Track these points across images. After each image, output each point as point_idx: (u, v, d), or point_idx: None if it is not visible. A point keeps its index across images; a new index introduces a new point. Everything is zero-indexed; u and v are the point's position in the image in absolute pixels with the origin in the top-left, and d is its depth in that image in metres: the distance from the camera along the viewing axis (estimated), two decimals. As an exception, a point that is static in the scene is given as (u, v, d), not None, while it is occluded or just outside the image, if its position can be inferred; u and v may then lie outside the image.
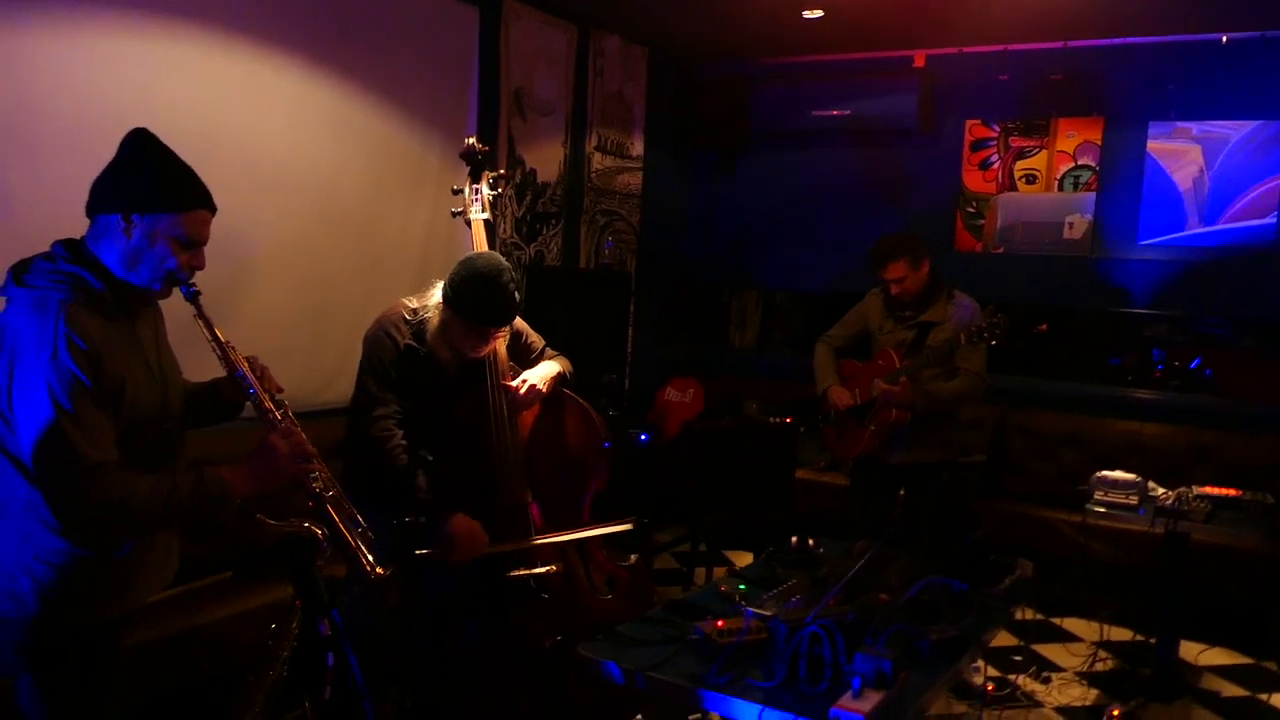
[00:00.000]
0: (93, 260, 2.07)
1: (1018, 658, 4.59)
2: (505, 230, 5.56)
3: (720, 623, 2.37)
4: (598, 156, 6.25)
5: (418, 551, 2.67)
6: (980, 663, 4.32)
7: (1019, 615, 4.89)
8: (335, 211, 4.45)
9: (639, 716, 3.75)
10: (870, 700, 2.06)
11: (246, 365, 2.24)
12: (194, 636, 3.25)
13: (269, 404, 2.23)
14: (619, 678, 2.28)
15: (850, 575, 2.49)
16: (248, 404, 2.28)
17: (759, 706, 2.09)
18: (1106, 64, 5.75)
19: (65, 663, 2.12)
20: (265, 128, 4.08)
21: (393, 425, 3.00)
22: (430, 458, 2.51)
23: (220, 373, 2.31)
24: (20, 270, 2.06)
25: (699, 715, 3.84)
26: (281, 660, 2.31)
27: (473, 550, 2.95)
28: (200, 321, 2.17)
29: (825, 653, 2.18)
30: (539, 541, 3.10)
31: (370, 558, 2.25)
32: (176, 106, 3.60)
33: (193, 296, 2.15)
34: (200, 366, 2.44)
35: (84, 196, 2.11)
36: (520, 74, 5.52)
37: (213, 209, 2.16)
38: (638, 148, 6.62)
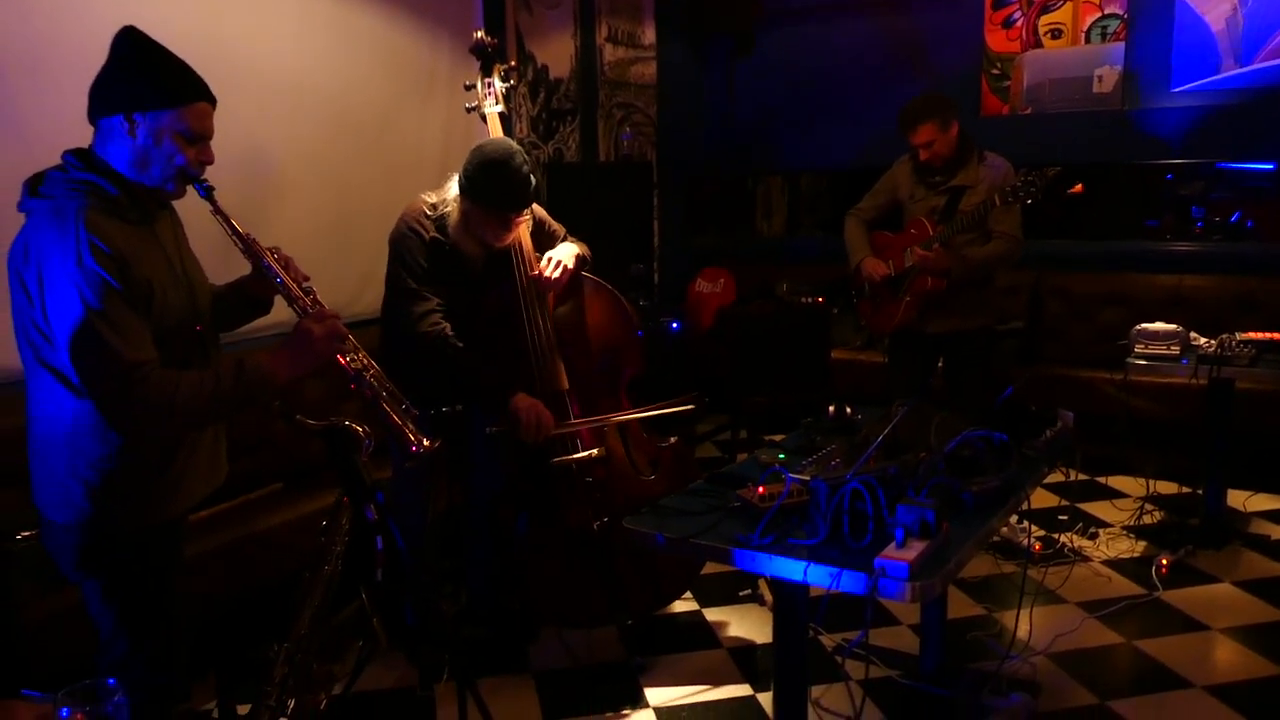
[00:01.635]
0: (104, 166, 2.07)
1: (1063, 517, 4.61)
2: (522, 129, 5.49)
3: (761, 489, 2.37)
4: (609, 48, 6.12)
5: (488, 429, 2.68)
6: (1026, 523, 4.36)
7: (1065, 475, 4.93)
8: (350, 121, 4.41)
9: (687, 593, 3.84)
10: (914, 549, 2.07)
11: (270, 256, 2.24)
12: (251, 543, 3.33)
13: (298, 291, 2.23)
14: (664, 546, 2.30)
15: (889, 430, 2.48)
16: (277, 298, 2.29)
17: (804, 562, 2.11)
18: (1131, -97, 5.50)
19: (127, 565, 2.19)
20: (272, 41, 4.02)
21: (439, 318, 3.02)
22: (460, 344, 2.52)
23: (244, 272, 2.32)
24: (35, 183, 2.07)
25: (748, 591, 3.94)
26: (335, 555, 2.37)
27: (540, 427, 2.99)
28: (218, 217, 2.17)
29: (867, 508, 2.19)
30: (592, 422, 3.14)
31: (415, 431, 2.27)
32: (182, 25, 3.54)
33: (208, 192, 2.14)
34: (223, 272, 2.46)
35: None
36: (523, -34, 5.38)
37: (213, 101, 2.14)
38: (649, 36, 6.47)
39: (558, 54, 5.72)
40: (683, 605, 3.83)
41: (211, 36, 3.73)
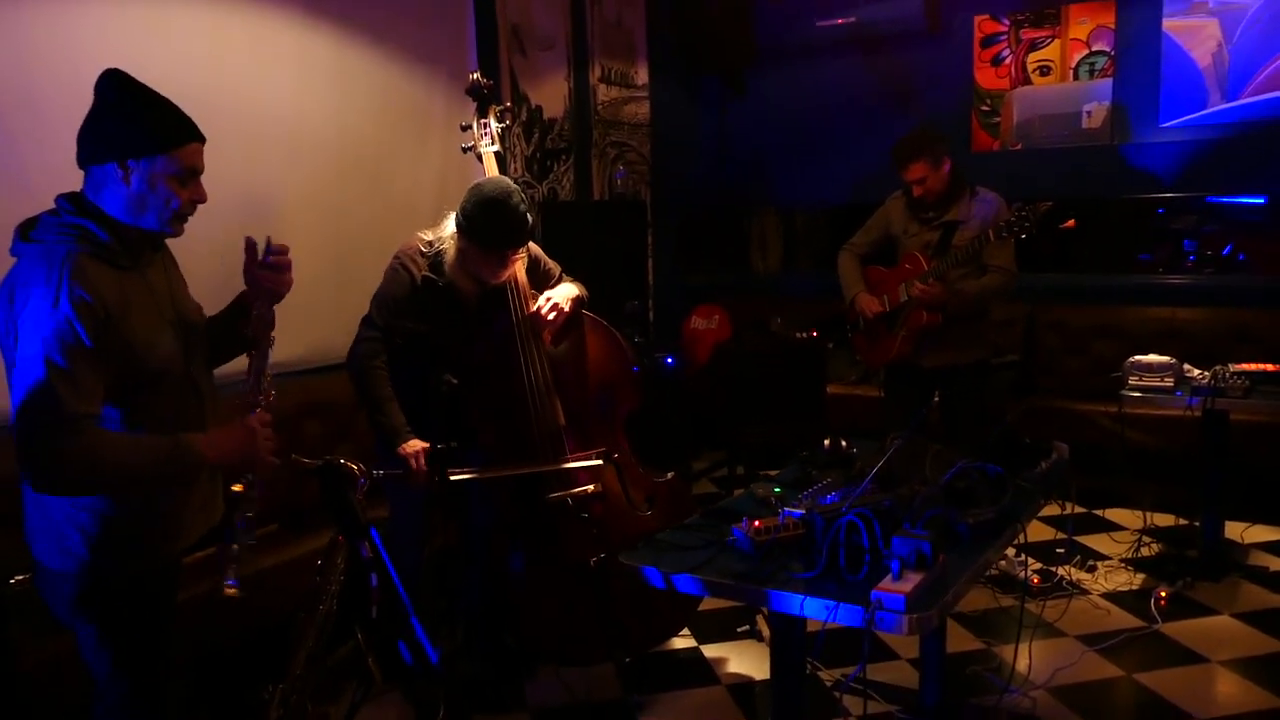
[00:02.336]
0: (96, 211, 2.06)
1: (1061, 550, 4.60)
2: (516, 169, 5.53)
3: (758, 523, 2.37)
4: (602, 88, 6.19)
5: (376, 472, 2.69)
6: (1024, 556, 4.35)
7: (1061, 509, 4.92)
8: (346, 163, 4.45)
9: (685, 630, 3.82)
10: (910, 581, 2.07)
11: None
12: (248, 585, 3.30)
13: (266, 380, 2.28)
14: (658, 582, 2.29)
15: (883, 462, 2.49)
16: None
17: (800, 596, 2.10)
18: (1114, -57, 5.60)
19: (123, 610, 2.17)
20: (270, 85, 4.07)
21: (378, 346, 3.11)
22: (455, 381, 2.53)
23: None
24: (27, 227, 2.07)
25: (746, 628, 3.92)
26: (330, 595, 2.37)
27: (426, 472, 3.03)
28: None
29: (863, 540, 2.19)
30: (501, 472, 3.17)
31: (229, 569, 2.23)
32: (179, 68, 3.59)
33: None
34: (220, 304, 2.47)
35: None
36: (516, 9, 5.45)
37: (203, 139, 2.15)
38: (642, 76, 6.55)
39: (551, 95, 5.78)
40: (680, 642, 3.81)
41: (211, 80, 3.77)
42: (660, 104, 6.71)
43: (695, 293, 6.85)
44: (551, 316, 3.16)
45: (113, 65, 2.16)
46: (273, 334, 2.32)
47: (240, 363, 2.41)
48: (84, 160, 2.09)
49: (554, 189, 5.81)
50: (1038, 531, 4.81)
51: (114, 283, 2.03)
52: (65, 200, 2.09)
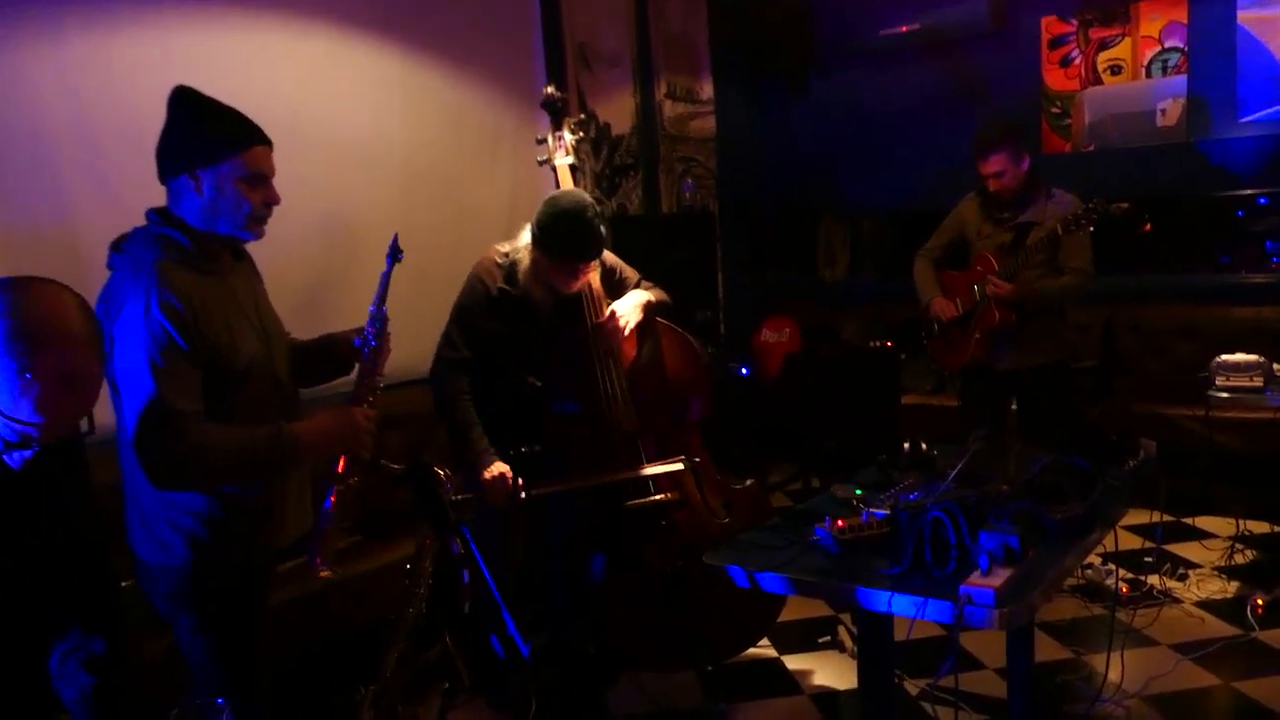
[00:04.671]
0: (179, 221, 2.16)
1: (1150, 559, 4.48)
2: (586, 185, 5.59)
3: (841, 522, 2.36)
4: (668, 104, 6.24)
5: (455, 497, 2.72)
6: (1112, 565, 4.24)
7: (1150, 517, 4.79)
8: (420, 179, 4.55)
9: (765, 641, 3.80)
10: (1000, 576, 2.04)
11: (386, 340, 2.40)
12: (334, 592, 3.38)
13: (375, 381, 2.36)
14: (742, 581, 2.29)
15: (965, 460, 2.46)
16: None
17: (888, 592, 2.09)
18: (1184, -63, 5.49)
19: (219, 605, 2.24)
20: (347, 105, 4.19)
21: (457, 373, 3.12)
22: (538, 384, 2.57)
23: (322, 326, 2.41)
24: (119, 241, 2.18)
25: (827, 638, 3.88)
26: (419, 598, 2.41)
27: (507, 495, 3.03)
28: (384, 279, 2.41)
29: (949, 536, 2.16)
30: (570, 485, 3.18)
31: (325, 550, 2.32)
32: (264, 90, 3.71)
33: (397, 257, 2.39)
34: (305, 326, 2.54)
35: None
36: (582, 27, 5.53)
37: (268, 142, 2.22)
38: (707, 91, 6.58)
39: (619, 112, 5.84)
40: (761, 652, 3.78)
41: (294, 102, 3.90)
42: (725, 117, 6.73)
43: (764, 301, 6.83)
44: (617, 326, 3.18)
45: (201, 86, 2.25)
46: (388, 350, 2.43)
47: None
48: (162, 175, 2.20)
49: (623, 204, 5.86)
50: (1125, 540, 4.67)
51: (198, 287, 2.12)
52: (153, 213, 2.20)
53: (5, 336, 1.39)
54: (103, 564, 1.81)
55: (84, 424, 1.51)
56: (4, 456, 1.43)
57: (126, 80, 3.43)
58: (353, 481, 2.32)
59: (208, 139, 2.15)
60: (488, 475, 3.05)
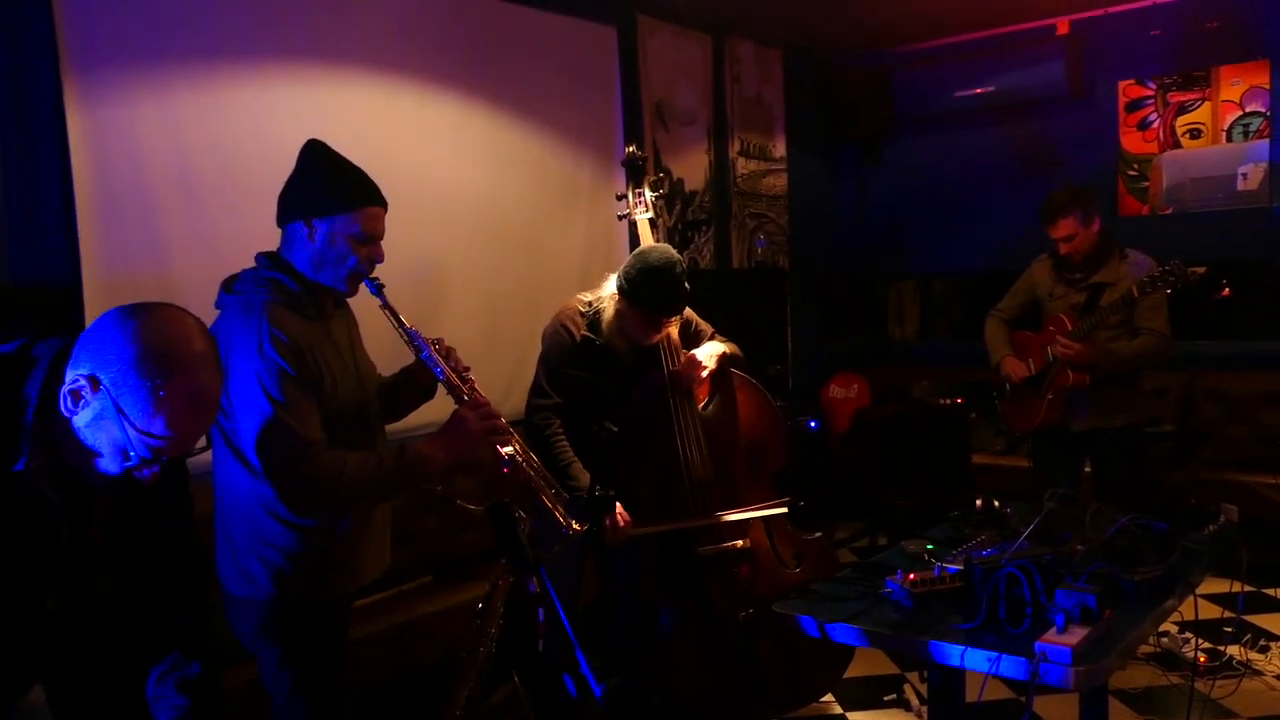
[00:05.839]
0: (287, 266, 2.26)
1: (1229, 629, 4.35)
2: (659, 240, 5.68)
3: (912, 575, 2.37)
4: (741, 161, 6.34)
5: (572, 528, 2.74)
6: (1189, 634, 4.13)
7: (1229, 586, 4.67)
8: (499, 233, 4.68)
9: (829, 697, 3.76)
10: (1076, 635, 2.03)
11: (433, 348, 2.37)
12: (406, 631, 3.46)
13: (456, 380, 2.35)
14: (813, 630, 2.30)
15: (1041, 517, 2.45)
16: (439, 387, 2.41)
17: (961, 647, 2.09)
18: (1265, 2, 5.46)
19: (302, 639, 2.31)
20: (430, 159, 4.34)
21: (551, 416, 3.16)
22: (615, 429, 2.62)
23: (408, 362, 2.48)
24: (230, 281, 2.29)
25: (893, 696, 3.83)
26: (490, 637, 2.46)
27: (618, 533, 3.04)
28: (386, 311, 2.31)
29: (1024, 593, 2.16)
30: (698, 522, 3.19)
31: (565, 515, 2.36)
32: (350, 146, 3.86)
33: (378, 289, 2.31)
34: (395, 366, 2.63)
35: (277, 231, 2.32)
36: (660, 86, 5.67)
37: (384, 204, 2.33)
38: (780, 149, 6.68)
39: (693, 168, 5.95)
40: (825, 708, 3.75)
41: (379, 154, 4.02)
42: (798, 175, 6.82)
43: (833, 359, 6.84)
44: (694, 374, 3.23)
45: (295, 136, 2.38)
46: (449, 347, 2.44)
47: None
48: (280, 220, 2.31)
49: (694, 259, 5.94)
50: (1204, 610, 4.56)
51: (302, 329, 2.22)
52: (263, 256, 2.30)
53: (139, 357, 1.49)
54: (203, 588, 1.89)
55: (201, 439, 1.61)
56: (136, 473, 1.52)
57: (225, 133, 3.62)
58: (521, 458, 2.35)
59: (329, 192, 2.26)
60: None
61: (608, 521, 3.03)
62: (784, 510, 3.24)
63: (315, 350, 2.22)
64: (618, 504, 3.06)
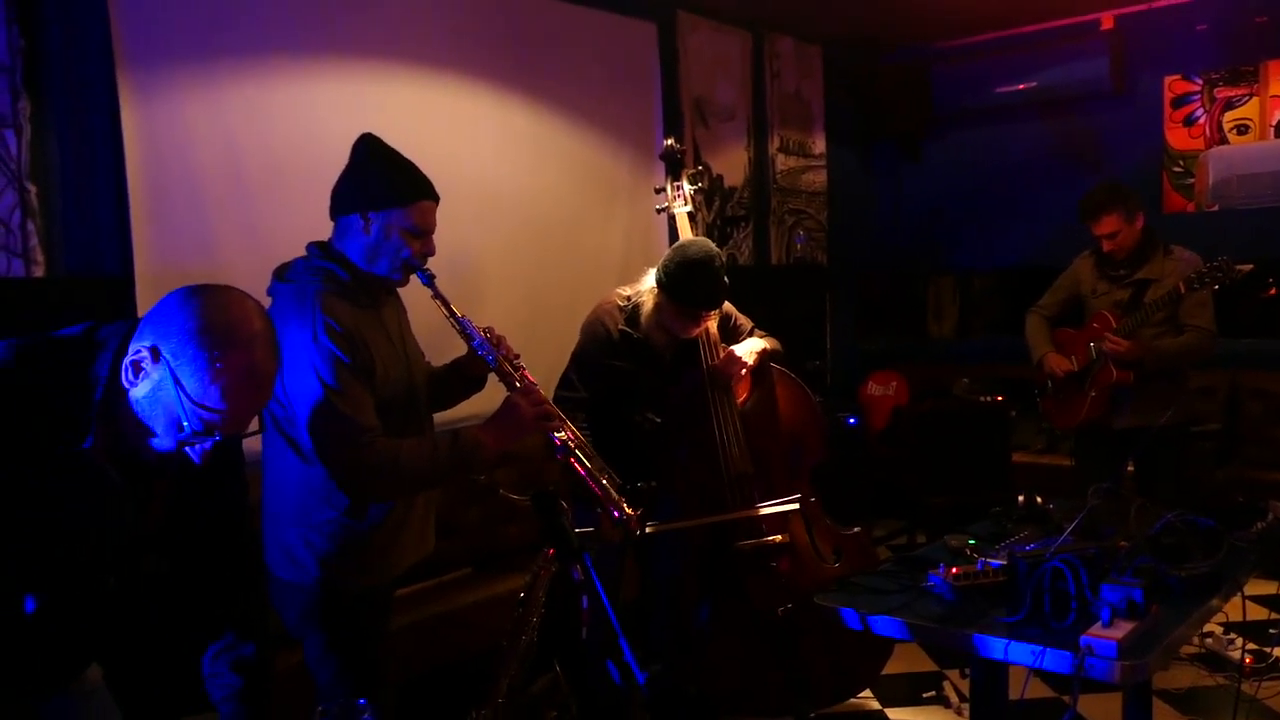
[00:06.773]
0: (339, 256, 2.30)
1: (1274, 630, 4.29)
2: (699, 235, 5.70)
3: (955, 569, 2.36)
4: (781, 158, 6.33)
5: (577, 530, 2.76)
6: (1234, 635, 4.08)
7: (1277, 588, 4.60)
8: (539, 228, 4.72)
9: (867, 691, 3.75)
10: (1122, 629, 2.01)
11: (483, 334, 2.39)
12: (445, 621, 3.50)
13: (507, 368, 2.37)
14: (855, 623, 2.30)
15: (1085, 513, 2.44)
16: (490, 375, 2.44)
17: (1005, 640, 2.08)
18: (1317, -4, 5.38)
19: (347, 623, 2.35)
20: (471, 154, 4.38)
21: (574, 410, 3.12)
22: (658, 420, 2.64)
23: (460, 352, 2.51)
24: (282, 270, 2.33)
25: (932, 693, 3.82)
26: (532, 626, 2.48)
27: (625, 530, 3.04)
28: (438, 300, 2.35)
29: (1069, 587, 2.15)
30: (735, 515, 3.19)
31: (619, 501, 2.37)
32: (394, 140, 3.92)
33: (429, 280, 2.34)
34: (443, 355, 2.67)
35: (324, 222, 2.35)
36: (699, 83, 5.68)
37: (436, 198, 2.36)
38: (819, 146, 6.66)
39: (732, 164, 5.96)
40: (864, 703, 3.75)
41: (420, 150, 4.04)
42: (837, 172, 6.80)
43: (872, 355, 6.82)
44: (733, 370, 3.24)
45: (341, 132, 2.41)
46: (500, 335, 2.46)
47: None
48: (333, 212, 2.34)
49: (734, 255, 5.95)
50: (1250, 610, 4.50)
51: (353, 317, 2.25)
52: (315, 246, 2.34)
53: (199, 330, 1.52)
54: (258, 571, 1.93)
55: (254, 423, 1.64)
56: (188, 450, 1.55)
57: (272, 128, 3.69)
58: (574, 444, 2.37)
59: (384, 185, 2.29)
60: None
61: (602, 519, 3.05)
62: (795, 506, 3.22)
63: (367, 338, 2.26)
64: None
